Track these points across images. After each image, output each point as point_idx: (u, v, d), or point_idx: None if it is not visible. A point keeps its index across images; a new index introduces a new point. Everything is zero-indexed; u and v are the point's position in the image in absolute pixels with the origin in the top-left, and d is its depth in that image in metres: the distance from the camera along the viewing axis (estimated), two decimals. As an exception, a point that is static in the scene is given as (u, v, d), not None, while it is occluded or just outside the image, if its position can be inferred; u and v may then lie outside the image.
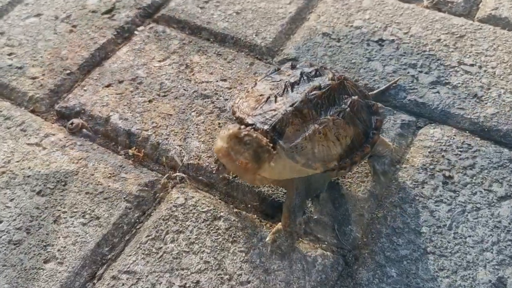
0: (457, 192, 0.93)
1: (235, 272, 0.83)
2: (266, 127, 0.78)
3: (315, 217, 0.89)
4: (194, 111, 1.07)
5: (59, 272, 0.85)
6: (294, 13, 1.28)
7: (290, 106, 0.80)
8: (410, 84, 1.10)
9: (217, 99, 1.09)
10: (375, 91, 1.07)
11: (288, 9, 1.29)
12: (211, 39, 1.23)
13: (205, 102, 1.09)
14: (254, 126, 0.79)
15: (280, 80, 0.86)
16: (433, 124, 1.04)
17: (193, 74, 1.15)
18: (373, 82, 1.11)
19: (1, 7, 1.33)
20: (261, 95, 0.84)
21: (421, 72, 1.13)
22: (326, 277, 0.83)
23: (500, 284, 0.81)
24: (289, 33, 1.24)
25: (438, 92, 1.08)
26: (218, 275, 0.83)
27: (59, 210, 0.92)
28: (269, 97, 0.82)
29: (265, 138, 0.76)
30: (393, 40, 1.20)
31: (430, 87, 1.09)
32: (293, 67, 0.89)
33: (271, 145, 0.76)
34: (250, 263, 0.84)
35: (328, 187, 0.90)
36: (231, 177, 0.94)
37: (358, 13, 1.27)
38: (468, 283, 0.82)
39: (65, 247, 0.88)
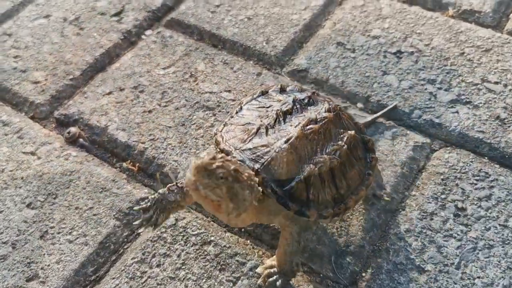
0: (469, 227, 0.85)
1: (221, 303, 0.79)
2: (257, 166, 0.69)
3: (311, 246, 0.83)
4: (194, 123, 1.02)
5: (41, 292, 0.82)
6: (309, 20, 1.21)
7: (285, 142, 0.71)
8: (427, 102, 1.02)
9: (220, 111, 1.04)
10: (369, 118, 0.98)
11: (303, 16, 1.22)
12: (219, 46, 1.18)
13: (207, 114, 1.04)
14: (242, 162, 0.69)
15: (270, 106, 0.79)
16: (449, 148, 0.96)
17: (196, 84, 1.10)
18: (386, 99, 1.04)
19: (12, 8, 1.31)
20: (248, 123, 0.76)
21: (440, 89, 1.04)
22: (317, 315, 0.77)
23: (509, 335, 0.74)
24: (302, 41, 1.17)
25: (457, 112, 1.00)
26: (202, 305, 0.79)
27: (47, 225, 0.89)
28: (259, 129, 0.74)
29: (246, 172, 0.66)
30: (412, 52, 1.12)
31: (448, 106, 1.01)
32: (282, 90, 0.82)
33: (256, 180, 0.67)
34: (237, 294, 0.79)
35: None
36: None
37: (377, 22, 1.19)
38: (473, 332, 0.74)
39: (49, 265, 0.85)
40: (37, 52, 1.19)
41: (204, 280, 0.81)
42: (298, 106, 0.78)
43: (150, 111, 1.05)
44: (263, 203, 0.70)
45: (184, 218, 0.89)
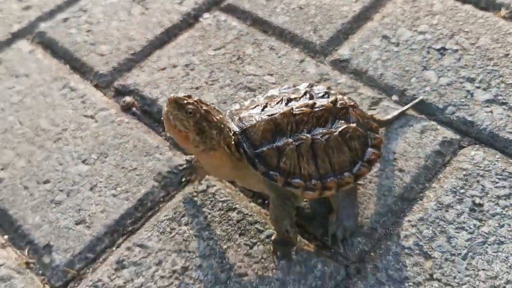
0: (483, 222, 0.87)
1: (236, 263, 0.87)
2: (236, 128, 0.80)
3: (326, 224, 0.89)
4: (235, 102, 1.10)
5: (85, 235, 0.94)
6: (359, 12, 1.25)
7: (267, 115, 0.80)
8: (463, 100, 1.04)
9: (260, 93, 1.11)
10: (396, 112, 1.01)
11: (353, 8, 1.26)
12: (269, 32, 1.25)
13: (248, 94, 1.11)
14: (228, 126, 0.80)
15: (285, 94, 0.86)
16: (477, 145, 0.98)
17: (243, 66, 1.18)
18: (422, 93, 1.06)
19: (89, -14, 1.45)
20: (256, 102, 0.85)
21: (478, 88, 1.05)
22: (322, 284, 0.83)
23: (504, 327, 0.76)
24: (348, 33, 1.22)
25: (491, 111, 1.01)
26: (220, 263, 0.87)
27: (97, 180, 1.02)
28: (257, 105, 0.84)
29: (219, 116, 0.77)
30: (456, 50, 1.13)
31: (484, 105, 1.02)
32: (310, 86, 0.89)
33: (228, 126, 0.79)
34: (252, 258, 0.87)
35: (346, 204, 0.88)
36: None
37: (426, 17, 1.21)
38: (468, 319, 0.78)
39: (95, 213, 0.97)
40: (106, 28, 1.32)
41: (224, 241, 0.89)
42: (308, 95, 0.85)
43: (197, 88, 1.15)
44: (241, 163, 0.80)
45: (214, 185, 0.97)
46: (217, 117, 0.78)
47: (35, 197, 1.01)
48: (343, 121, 0.84)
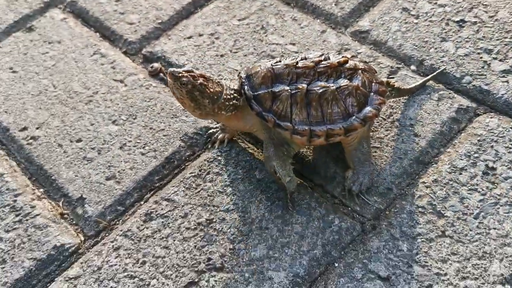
0: (496, 184, 0.91)
1: (258, 217, 0.92)
2: (243, 74, 0.90)
3: (344, 184, 0.94)
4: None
5: (116, 189, 1.00)
6: (380, -15, 1.28)
7: (271, 64, 0.88)
8: (480, 70, 1.07)
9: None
10: (419, 82, 1.04)
11: (375, -19, 1.29)
12: (292, 4, 1.28)
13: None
14: (239, 74, 0.91)
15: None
16: (492, 113, 1.01)
17: (266, 35, 1.22)
18: (440, 63, 1.09)
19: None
20: (275, 59, 0.91)
21: (495, 59, 1.08)
22: (339, 238, 0.88)
23: (511, 280, 0.80)
24: (369, 5, 1.25)
25: (507, 81, 1.04)
26: (242, 217, 0.92)
27: (126, 139, 1.07)
28: (274, 59, 0.90)
29: (217, 89, 0.87)
30: (475, 23, 1.15)
31: (500, 75, 1.05)
32: (337, 53, 0.93)
33: (223, 96, 0.88)
34: (273, 213, 0.92)
35: (361, 161, 0.93)
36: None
37: (447, -9, 1.23)
38: (478, 272, 0.82)
39: (124, 170, 1.02)
40: (134, -2, 1.37)
41: (246, 197, 0.95)
42: (323, 57, 0.89)
43: (222, 55, 1.19)
44: (244, 110, 0.89)
45: (238, 146, 1.02)
46: (212, 89, 0.87)
47: (69, 154, 1.07)
48: (346, 80, 0.88)
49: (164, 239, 0.92)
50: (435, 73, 1.06)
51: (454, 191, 0.91)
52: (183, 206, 0.95)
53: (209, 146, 1.04)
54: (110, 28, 1.31)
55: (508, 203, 0.88)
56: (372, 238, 0.88)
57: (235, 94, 0.89)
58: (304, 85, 0.86)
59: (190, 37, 1.25)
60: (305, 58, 0.90)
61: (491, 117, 1.00)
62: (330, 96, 0.86)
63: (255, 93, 0.87)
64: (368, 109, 0.89)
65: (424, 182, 0.93)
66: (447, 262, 0.84)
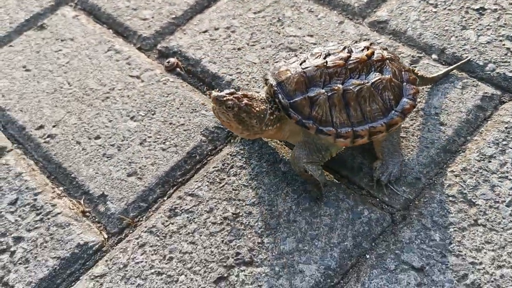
0: (526, 171, 0.89)
1: (285, 210, 0.90)
2: (274, 82, 0.86)
3: (373, 174, 0.92)
4: (277, 62, 1.13)
5: (138, 186, 0.98)
6: (396, -25, 1.27)
7: (302, 68, 0.85)
8: (503, 57, 1.05)
9: (301, 52, 1.14)
10: (442, 71, 1.03)
11: (390, -29, 1.28)
12: (307, -4, 1.27)
13: (289, 54, 1.14)
14: (267, 81, 0.88)
15: (327, 49, 0.89)
16: (518, 100, 1.00)
17: (283, 28, 1.20)
18: (462, 51, 1.08)
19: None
20: (297, 59, 0.89)
21: (518, 45, 1.07)
22: (369, 230, 0.86)
23: (549, 268, 0.79)
24: (386, -5, 1.23)
25: (532, 68, 1.03)
26: (269, 210, 0.91)
27: (146, 135, 1.06)
28: (297, 60, 0.88)
29: (262, 107, 0.85)
30: (495, 10, 1.14)
31: (524, 62, 1.04)
32: (354, 42, 0.91)
33: (268, 114, 0.86)
34: (300, 205, 0.90)
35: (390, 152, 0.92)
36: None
37: (464, -20, 1.22)
38: (513, 260, 0.80)
39: (145, 166, 1.01)
40: (146, -6, 1.36)
41: (273, 191, 0.93)
42: (346, 50, 0.87)
43: (239, 49, 1.18)
44: (284, 123, 0.88)
45: (260, 140, 1.01)
46: (258, 108, 0.86)
47: (87, 151, 1.05)
48: (378, 73, 0.86)
49: (190, 234, 0.90)
50: (460, 63, 1.04)
51: (484, 179, 0.89)
52: (207, 201, 0.94)
53: (231, 140, 1.02)
54: (123, 24, 1.30)
55: (541, 190, 0.87)
56: (403, 228, 0.86)
57: (275, 105, 0.88)
58: (340, 86, 0.84)
59: (205, 31, 1.23)
60: (329, 54, 0.88)
61: (517, 104, 0.99)
62: (367, 93, 0.85)
63: (291, 101, 0.85)
64: (405, 100, 0.87)
65: (452, 171, 0.92)
66: (481, 251, 0.82)
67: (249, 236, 0.88)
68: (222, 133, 1.04)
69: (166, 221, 0.93)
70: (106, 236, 0.94)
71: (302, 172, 0.88)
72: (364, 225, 0.87)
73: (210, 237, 0.89)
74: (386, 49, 0.92)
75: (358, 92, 0.84)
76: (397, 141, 0.92)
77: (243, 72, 1.13)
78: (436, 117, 0.99)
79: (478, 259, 0.81)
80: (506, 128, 0.95)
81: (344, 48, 0.90)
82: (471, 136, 0.96)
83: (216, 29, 1.23)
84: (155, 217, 0.94)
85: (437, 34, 1.12)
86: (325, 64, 0.86)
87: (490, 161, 0.91)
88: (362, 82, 0.85)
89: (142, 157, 1.02)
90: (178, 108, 1.09)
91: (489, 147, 0.93)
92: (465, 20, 1.13)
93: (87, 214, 0.97)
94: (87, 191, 1.00)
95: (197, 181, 0.97)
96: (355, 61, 0.87)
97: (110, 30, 1.30)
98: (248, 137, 0.91)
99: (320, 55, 0.89)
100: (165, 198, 0.97)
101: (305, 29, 1.19)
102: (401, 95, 0.88)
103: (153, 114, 1.09)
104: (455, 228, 0.85)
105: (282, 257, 0.85)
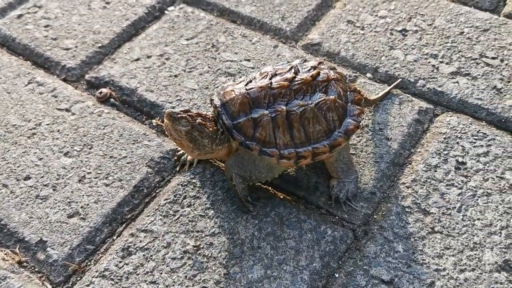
0: (469, 178, 0.94)
1: (247, 237, 0.87)
2: (218, 102, 0.86)
3: (331, 193, 0.92)
4: (217, 87, 1.11)
5: (82, 227, 0.89)
6: (321, 0, 1.31)
7: (246, 89, 0.85)
8: (430, 73, 1.12)
9: (240, 77, 1.13)
10: (381, 93, 1.07)
11: (315, -3, 1.32)
12: (238, 21, 1.27)
13: (228, 79, 1.12)
14: (212, 101, 0.87)
15: (275, 70, 0.89)
16: (450, 112, 1.06)
17: (218, 53, 1.19)
18: (393, 70, 1.13)
19: (40, -17, 1.39)
20: (243, 79, 0.89)
21: (442, 62, 1.14)
22: (334, 248, 0.86)
23: (506, 266, 0.83)
24: (315, 19, 1.27)
25: (457, 82, 1.10)
26: (231, 239, 0.87)
27: (84, 171, 0.97)
28: (243, 81, 0.88)
29: (214, 128, 0.85)
30: (416, 31, 1.22)
31: (450, 77, 1.11)
32: (303, 61, 0.92)
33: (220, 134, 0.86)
34: (262, 230, 0.88)
35: (344, 170, 0.93)
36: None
37: (383, 4, 1.29)
38: (473, 263, 0.84)
39: (88, 204, 0.92)
40: (66, 22, 1.27)
41: (231, 218, 0.89)
42: (293, 71, 0.88)
43: (176, 76, 1.14)
44: (234, 142, 0.86)
45: (211, 167, 0.97)
46: (212, 128, 0.85)
47: (17, 194, 0.94)
48: (322, 94, 0.87)
49: (150, 273, 0.83)
50: (396, 83, 1.09)
51: (433, 188, 0.93)
52: (163, 235, 0.88)
53: (179, 170, 0.98)
54: (43, 55, 1.20)
55: (485, 193, 0.92)
56: (367, 243, 0.87)
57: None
58: (283, 107, 0.84)
59: (137, 60, 1.18)
60: (276, 74, 0.88)
61: (450, 116, 1.05)
62: (310, 114, 0.85)
63: (235, 122, 0.84)
64: (348, 121, 0.88)
65: (403, 183, 0.94)
66: (442, 257, 0.85)
67: (213, 268, 0.83)
68: (169, 163, 0.99)
69: (120, 262, 0.85)
70: (50, 287, 0.83)
71: (228, 179, 0.88)
72: (329, 244, 0.86)
73: (172, 273, 0.83)
74: (334, 68, 0.94)
75: (302, 113, 0.84)
76: (348, 159, 0.93)
77: (184, 99, 1.09)
78: (381, 133, 1.02)
79: (441, 266, 0.84)
80: (444, 138, 1.01)
81: (291, 68, 0.90)
82: (414, 148, 1.00)
83: (149, 57, 1.18)
84: (106, 259, 0.85)
85: (368, 55, 1.17)
86: (269, 85, 0.85)
87: (436, 171, 0.96)
88: (306, 103, 0.85)
89: (83, 195, 0.94)
90: (117, 140, 1.02)
91: (433, 157, 0.98)
92: (391, 41, 1.20)
93: (25, 264, 0.86)
94: (21, 238, 0.89)
95: (148, 216, 0.91)
96: (299, 82, 0.87)
97: (28, 62, 1.20)
98: (198, 157, 0.89)
99: (267, 75, 0.88)
100: (114, 237, 0.89)
101: (241, 53, 1.18)
102: (345, 115, 0.89)
103: (90, 149, 1.01)
104: (415, 238, 0.87)
105: (252, 286, 0.81)
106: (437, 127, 1.03)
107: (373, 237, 0.87)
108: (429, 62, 1.15)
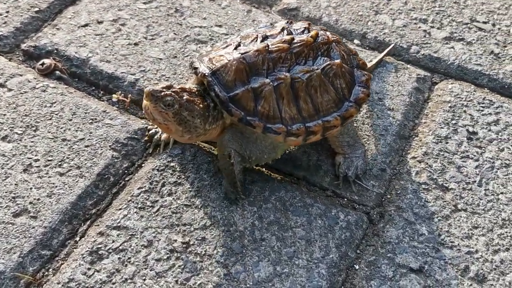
0: (483, 148, 0.85)
1: (247, 228, 0.71)
2: (206, 71, 0.69)
3: (332, 170, 0.79)
4: (187, 56, 0.94)
5: (33, 228, 0.70)
6: (292, -36, 1.17)
7: (240, 53, 0.70)
8: (423, 39, 1.02)
9: (213, 45, 0.96)
10: (375, 61, 0.96)
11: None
12: (202, -16, 1.10)
13: (200, 47, 0.96)
14: (196, 69, 0.70)
15: (261, 31, 0.75)
16: (450, 80, 0.96)
17: (184, 19, 1.01)
18: (383, 35, 1.02)
19: None
20: (227, 43, 0.74)
21: (432, 27, 1.04)
22: (351, 235, 0.72)
23: (539, 243, 0.74)
24: (288, -17, 1.13)
25: (452, 47, 1.01)
26: (227, 231, 0.71)
27: (30, 158, 0.77)
28: (230, 45, 0.73)
29: (203, 104, 0.69)
30: (399, -4, 1.11)
31: (444, 43, 1.01)
32: (289, 23, 0.78)
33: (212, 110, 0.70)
34: (263, 219, 0.72)
35: (350, 144, 0.79)
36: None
37: (360, -32, 1.18)
38: (506, 242, 0.73)
39: (38, 199, 0.73)
40: (-8, -16, 1.04)
41: (224, 207, 0.73)
42: (285, 32, 0.74)
43: (136, 44, 0.95)
44: (227, 119, 0.71)
45: (191, 147, 0.80)
46: (202, 104, 0.69)
47: None
48: (326, 58, 0.74)
49: (130, 280, 0.65)
50: (388, 49, 0.98)
51: (448, 161, 0.82)
52: (142, 232, 0.70)
53: (152, 152, 0.80)
54: (-36, 22, 0.97)
55: (503, 165, 0.82)
56: (386, 227, 0.74)
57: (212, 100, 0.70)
58: (287, 74, 0.70)
59: (86, 25, 0.98)
60: (266, 36, 0.74)
61: (451, 83, 0.95)
62: (317, 81, 0.72)
63: (231, 94, 0.68)
64: (357, 89, 0.76)
65: (414, 157, 0.83)
66: (472, 237, 0.74)
67: (210, 269, 0.67)
68: (138, 145, 0.81)
69: (89, 268, 0.66)
70: (-6, 308, 0.63)
71: (224, 157, 0.71)
72: (344, 230, 0.73)
73: (159, 279, 0.66)
74: (327, 30, 0.80)
75: (308, 80, 0.71)
76: (354, 131, 0.80)
77: (148, 70, 0.91)
78: (381, 103, 0.90)
79: (473, 247, 0.73)
80: (450, 107, 0.90)
81: (283, 29, 0.76)
82: (418, 119, 0.89)
83: (100, 22, 0.99)
84: (70, 267, 0.67)
85: (353, 20, 1.05)
86: (266, 48, 0.71)
87: (447, 142, 0.85)
88: (311, 69, 0.72)
89: (30, 188, 0.74)
90: (70, 120, 0.83)
91: (441, 128, 0.87)
92: (375, 5, 1.08)
93: (-43, 281, 0.65)
94: (-50, 247, 0.67)
95: (120, 209, 0.72)
96: (300, 43, 0.73)
97: None
98: (189, 141, 0.72)
99: (256, 38, 0.74)
100: (77, 239, 0.70)
101: (210, 19, 1.02)
102: (353, 82, 0.76)
103: (35, 131, 0.81)
104: (439, 218, 0.75)
105: (261, 287, 0.66)
106: (439, 96, 0.93)
107: (392, 220, 0.75)
108: (419, 27, 1.04)
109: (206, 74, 0.69)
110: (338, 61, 0.74)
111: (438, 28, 1.04)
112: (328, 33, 0.78)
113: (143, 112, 0.69)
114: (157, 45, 0.96)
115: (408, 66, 0.98)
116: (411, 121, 0.89)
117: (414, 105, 0.91)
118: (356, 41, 1.02)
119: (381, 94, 0.91)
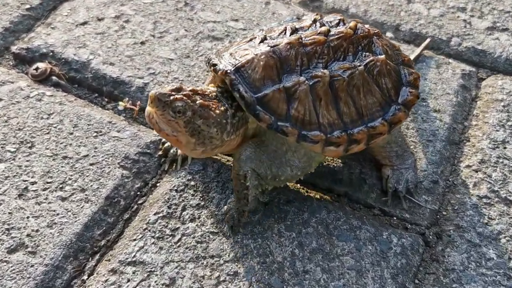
0: (548, 153, 0.74)
1: (286, 259, 0.60)
2: (228, 67, 0.58)
3: (387, 186, 0.68)
4: (201, 55, 0.83)
5: (32, 266, 0.58)
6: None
7: (269, 46, 0.59)
8: (464, 30, 0.91)
9: (230, 41, 0.85)
10: (413, 56, 0.84)
11: None
12: (213, -25, 0.99)
13: (215, 45, 0.84)
14: (216, 66, 0.59)
15: (289, 24, 0.64)
16: (498, 75, 0.85)
17: (195, 13, 0.90)
18: (419, 27, 0.91)
19: None
20: (252, 36, 0.63)
21: (473, 16, 0.94)
22: (407, 262, 0.61)
23: None
24: (308, -29, 1.02)
25: (497, 39, 0.90)
26: (263, 263, 0.60)
27: (26, 181, 0.66)
28: (255, 38, 0.62)
29: (220, 108, 0.57)
30: (432, -18, 1.00)
31: (487, 34, 0.91)
32: (319, 15, 0.67)
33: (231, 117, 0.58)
34: (304, 247, 0.61)
35: (399, 154, 0.69)
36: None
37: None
38: None
39: (37, 230, 0.61)
40: (-24, -21, 0.93)
41: (257, 232, 0.62)
42: (318, 24, 0.64)
43: (142, 43, 0.84)
44: (251, 125, 0.61)
45: (214, 162, 0.69)
46: (218, 110, 0.58)
47: None
48: (368, 53, 0.64)
49: (151, 330, 0.54)
50: (427, 41, 0.87)
51: (509, 169, 0.72)
52: (162, 267, 0.59)
53: (168, 169, 0.69)
54: None
55: None
56: (447, 251, 0.63)
57: (234, 103, 0.59)
58: (325, 71, 0.59)
59: (84, 23, 0.86)
60: (296, 29, 0.63)
61: (501, 79, 0.84)
62: (359, 80, 0.61)
63: (259, 95, 0.57)
64: (405, 90, 0.65)
65: (469, 166, 0.72)
66: (548, 261, 0.63)
67: (246, 311, 0.56)
68: (151, 161, 0.70)
69: (101, 316, 0.55)
70: None
71: (238, 178, 0.59)
72: (399, 257, 0.62)
73: (186, 327, 0.55)
74: (362, 23, 0.69)
75: (350, 79, 0.60)
76: (402, 139, 0.69)
77: (159, 73, 0.80)
78: (424, 104, 0.79)
79: (550, 273, 0.62)
80: (503, 106, 0.80)
81: (315, 21, 0.65)
82: (467, 121, 0.79)
83: (100, 19, 0.87)
84: (78, 314, 0.55)
85: (384, 10, 0.94)
86: (300, 40, 0.60)
87: (505, 147, 0.74)
88: (353, 65, 0.61)
89: (27, 217, 0.62)
90: (71, 134, 0.71)
91: (497, 130, 0.76)
92: (407, -6, 0.97)
93: None
94: None
95: (134, 240, 0.61)
96: (338, 36, 0.62)
97: None
98: (203, 155, 0.60)
99: (284, 30, 0.63)
100: (85, 277, 0.59)
101: (224, 13, 0.91)
102: (400, 82, 0.65)
103: (30, 148, 0.69)
104: (506, 238, 0.65)
105: (308, 333, 0.55)
106: (489, 93, 0.82)
107: (452, 242, 0.64)
108: (458, 17, 0.93)
109: (229, 71, 0.58)
110: (382, 56, 0.63)
111: (478, 17, 0.93)
112: (366, 25, 0.67)
113: (147, 121, 0.57)
114: (166, 43, 0.84)
115: (450, 60, 0.87)
116: (460, 124, 0.78)
117: (461, 105, 0.80)
118: (389, 34, 0.91)
119: (424, 93, 0.80)
